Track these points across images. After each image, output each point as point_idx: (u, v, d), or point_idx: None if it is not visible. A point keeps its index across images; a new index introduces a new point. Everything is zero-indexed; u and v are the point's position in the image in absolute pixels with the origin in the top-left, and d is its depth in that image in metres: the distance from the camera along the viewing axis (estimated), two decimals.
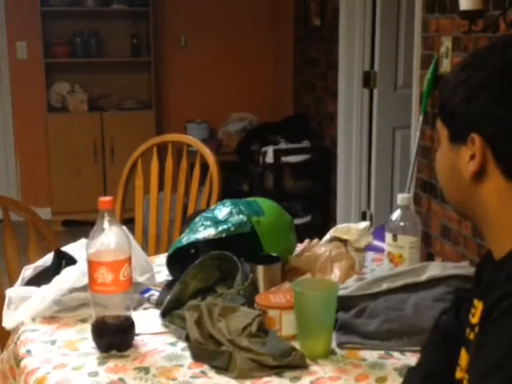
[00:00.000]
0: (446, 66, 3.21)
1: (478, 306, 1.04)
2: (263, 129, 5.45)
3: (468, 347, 1.06)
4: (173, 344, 1.54)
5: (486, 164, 1.02)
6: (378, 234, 2.04)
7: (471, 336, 1.05)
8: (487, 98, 1.00)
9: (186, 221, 2.18)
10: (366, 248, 1.94)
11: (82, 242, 1.80)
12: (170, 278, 1.85)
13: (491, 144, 1.01)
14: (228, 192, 3.27)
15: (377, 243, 2.01)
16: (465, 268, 1.73)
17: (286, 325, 1.53)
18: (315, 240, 1.99)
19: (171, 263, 1.87)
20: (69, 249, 1.87)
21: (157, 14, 5.79)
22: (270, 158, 4.94)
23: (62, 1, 5.58)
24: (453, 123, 1.06)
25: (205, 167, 2.73)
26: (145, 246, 2.51)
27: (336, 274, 1.80)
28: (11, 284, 2.04)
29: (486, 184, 1.03)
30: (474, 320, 1.04)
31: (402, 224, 1.83)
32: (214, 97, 6.06)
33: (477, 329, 1.00)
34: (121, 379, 1.39)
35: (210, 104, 6.03)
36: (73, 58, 5.70)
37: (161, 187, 2.79)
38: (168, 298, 1.64)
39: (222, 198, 2.39)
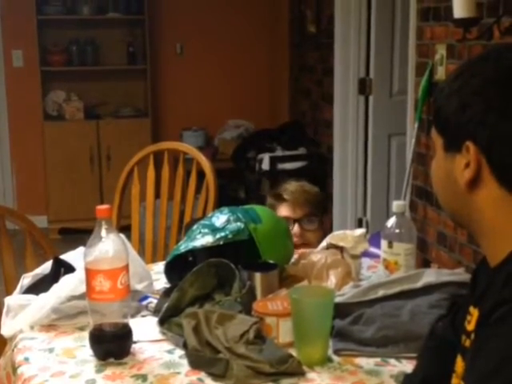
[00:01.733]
0: (440, 73, 3.22)
1: (474, 313, 1.04)
2: (259, 136, 5.45)
3: (464, 354, 1.06)
4: (170, 351, 1.54)
5: (480, 171, 1.02)
6: (374, 240, 2.04)
7: (467, 343, 1.05)
8: (481, 105, 1.01)
9: (184, 229, 2.18)
10: (362, 255, 1.95)
11: (81, 250, 1.80)
12: (168, 285, 1.85)
13: (485, 151, 1.01)
14: (224, 199, 3.27)
15: (372, 250, 2.02)
16: (460, 275, 1.74)
17: (283, 332, 1.53)
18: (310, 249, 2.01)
19: (169, 271, 1.87)
20: (68, 257, 1.87)
21: (153, 21, 5.80)
22: (266, 165, 4.94)
23: (58, 9, 5.59)
24: (447, 131, 1.07)
25: (201, 175, 2.74)
26: (141, 253, 2.51)
27: (332, 280, 1.80)
28: (8, 292, 2.04)
29: (481, 191, 1.03)
30: (470, 327, 1.04)
31: (397, 231, 1.83)
32: (210, 104, 6.06)
33: (473, 336, 1.01)
34: None
35: (206, 111, 6.04)
36: (69, 66, 5.70)
37: (157, 195, 2.80)
38: (166, 305, 1.65)
39: (218, 205, 2.39)
